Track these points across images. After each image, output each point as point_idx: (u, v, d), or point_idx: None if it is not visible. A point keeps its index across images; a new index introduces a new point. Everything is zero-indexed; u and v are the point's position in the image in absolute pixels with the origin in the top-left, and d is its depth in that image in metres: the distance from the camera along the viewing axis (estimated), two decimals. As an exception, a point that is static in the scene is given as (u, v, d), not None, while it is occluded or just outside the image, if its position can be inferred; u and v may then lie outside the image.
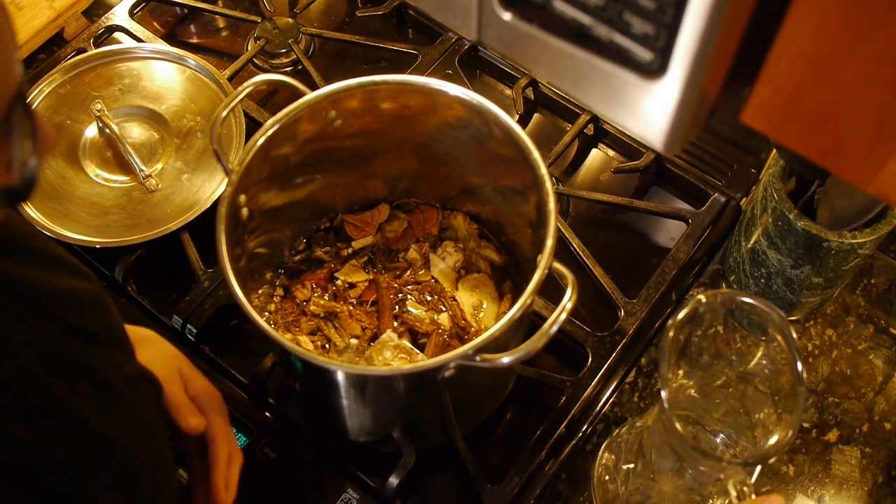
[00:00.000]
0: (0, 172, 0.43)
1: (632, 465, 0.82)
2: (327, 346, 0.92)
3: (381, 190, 0.99)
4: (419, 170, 0.96)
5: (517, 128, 0.79)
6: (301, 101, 0.81)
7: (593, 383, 0.94)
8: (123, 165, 1.07)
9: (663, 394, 0.66)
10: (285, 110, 0.81)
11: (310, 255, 0.97)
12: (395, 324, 0.92)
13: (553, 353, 0.98)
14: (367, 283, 0.95)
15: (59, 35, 1.22)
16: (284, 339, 0.71)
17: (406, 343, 0.90)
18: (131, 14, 1.24)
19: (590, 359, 0.95)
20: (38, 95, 1.11)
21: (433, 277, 0.95)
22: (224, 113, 0.79)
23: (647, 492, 0.80)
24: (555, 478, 0.91)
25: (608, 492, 0.86)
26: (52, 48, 1.21)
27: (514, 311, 0.70)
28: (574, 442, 0.92)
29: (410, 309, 0.93)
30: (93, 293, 0.66)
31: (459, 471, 0.90)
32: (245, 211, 0.81)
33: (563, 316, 0.68)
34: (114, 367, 0.62)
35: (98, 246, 0.99)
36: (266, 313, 0.93)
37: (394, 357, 0.88)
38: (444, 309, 0.93)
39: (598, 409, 0.94)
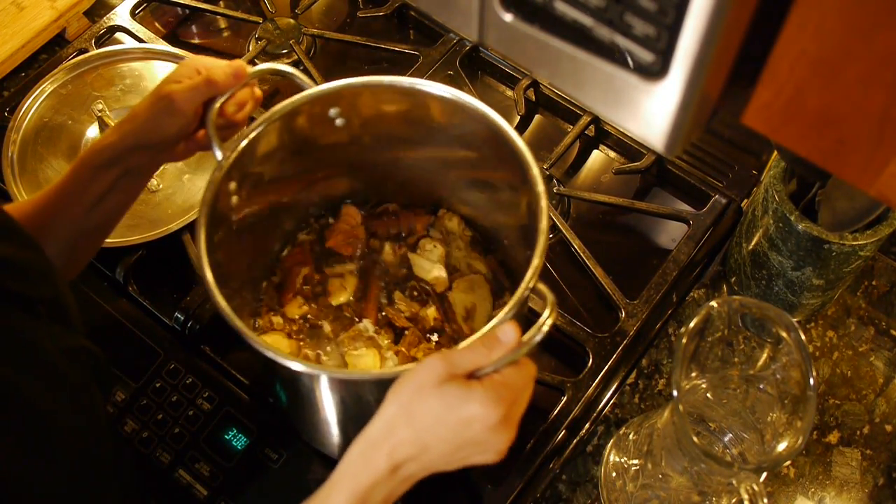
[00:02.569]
0: None
1: (640, 462, 0.82)
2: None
3: (368, 190, 0.98)
4: (411, 174, 0.94)
5: (517, 138, 0.77)
6: (302, 94, 0.81)
7: (594, 384, 0.94)
8: (125, 166, 1.07)
9: (676, 395, 0.66)
10: (284, 103, 0.80)
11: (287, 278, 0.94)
12: (378, 315, 0.91)
13: (554, 355, 0.98)
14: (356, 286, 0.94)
15: (60, 35, 1.23)
16: (250, 332, 0.69)
17: (382, 340, 0.88)
18: (133, 14, 1.24)
19: (590, 360, 0.95)
20: (40, 95, 1.11)
21: (419, 278, 0.93)
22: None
23: (654, 489, 0.80)
24: (555, 479, 0.91)
25: (615, 488, 0.86)
26: (54, 48, 1.21)
27: (488, 328, 0.67)
28: (575, 443, 0.92)
29: (396, 301, 0.92)
30: (37, 264, 0.66)
31: (459, 472, 0.90)
32: (234, 199, 0.79)
33: (538, 338, 0.62)
34: (48, 337, 0.62)
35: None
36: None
37: (365, 350, 0.87)
38: (430, 303, 0.91)
39: (598, 410, 0.94)
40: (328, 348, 0.88)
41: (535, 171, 0.75)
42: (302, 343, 0.89)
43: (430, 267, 0.93)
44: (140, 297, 1.00)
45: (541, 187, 0.74)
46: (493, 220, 0.94)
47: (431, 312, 0.90)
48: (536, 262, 0.70)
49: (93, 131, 1.10)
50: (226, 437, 0.91)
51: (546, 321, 0.62)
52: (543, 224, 0.72)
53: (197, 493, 0.89)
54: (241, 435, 0.91)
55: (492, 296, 0.93)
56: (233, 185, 0.78)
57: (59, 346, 0.63)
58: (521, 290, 0.68)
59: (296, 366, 0.68)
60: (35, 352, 0.60)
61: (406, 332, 0.89)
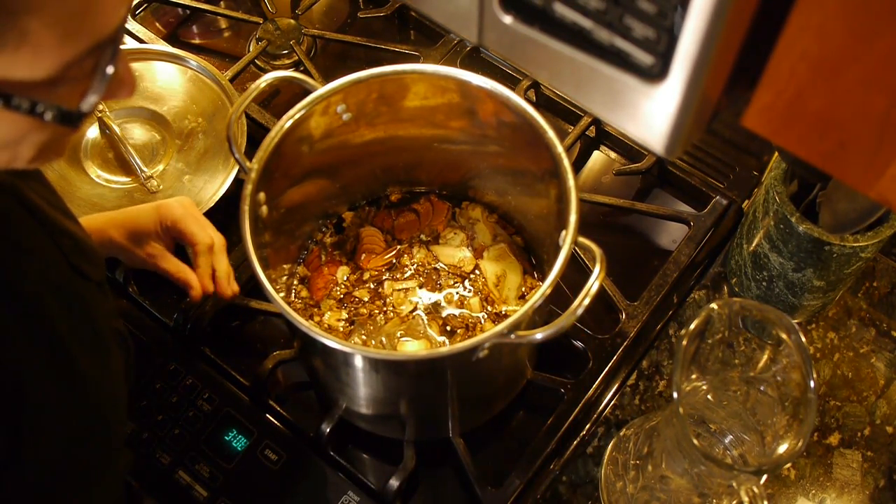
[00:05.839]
0: (75, 98, 0.50)
1: (640, 464, 0.82)
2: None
3: (388, 179, 1.00)
4: (432, 158, 0.97)
5: (530, 109, 0.80)
6: (312, 95, 0.82)
7: (594, 386, 0.94)
8: (125, 166, 1.07)
9: (676, 397, 0.66)
10: (298, 106, 0.82)
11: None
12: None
13: (554, 356, 0.98)
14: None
15: (61, 36, 1.22)
16: (307, 323, 0.72)
17: (434, 335, 0.92)
18: (133, 15, 1.24)
19: (591, 361, 0.95)
20: (40, 96, 1.11)
21: (449, 265, 0.97)
22: (239, 111, 0.79)
23: (655, 491, 0.80)
24: (555, 480, 0.91)
25: (615, 489, 0.86)
26: (54, 49, 1.21)
27: (546, 286, 0.72)
28: (575, 444, 0.92)
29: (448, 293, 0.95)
30: (95, 249, 0.72)
31: (459, 473, 0.90)
32: (264, 209, 0.81)
33: (595, 288, 0.68)
34: (104, 315, 0.69)
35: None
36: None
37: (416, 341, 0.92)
38: (472, 291, 0.95)
39: (599, 411, 0.94)
40: (373, 340, 0.93)
41: (551, 133, 0.79)
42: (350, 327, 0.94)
43: (454, 252, 0.97)
44: (140, 297, 1.00)
45: (559, 148, 0.79)
46: (516, 206, 0.97)
47: (476, 302, 0.94)
48: (574, 217, 0.75)
49: (93, 132, 1.10)
50: (226, 438, 0.91)
51: (599, 274, 0.70)
52: (570, 183, 0.77)
53: (197, 494, 0.88)
54: (241, 436, 0.91)
55: (520, 264, 0.97)
56: (262, 196, 0.80)
57: (110, 323, 0.69)
58: (568, 244, 0.74)
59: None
60: (91, 321, 0.66)
61: (458, 332, 0.93)
